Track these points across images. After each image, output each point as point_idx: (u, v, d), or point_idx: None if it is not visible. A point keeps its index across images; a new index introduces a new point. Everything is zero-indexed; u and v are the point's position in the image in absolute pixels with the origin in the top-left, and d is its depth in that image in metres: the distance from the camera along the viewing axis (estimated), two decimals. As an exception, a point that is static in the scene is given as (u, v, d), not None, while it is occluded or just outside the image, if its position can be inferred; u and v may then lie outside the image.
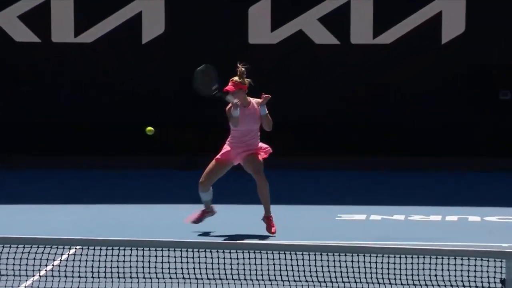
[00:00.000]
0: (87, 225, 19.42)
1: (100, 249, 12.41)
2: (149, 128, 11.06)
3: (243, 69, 17.65)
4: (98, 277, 12.93)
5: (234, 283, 12.84)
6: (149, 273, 12.86)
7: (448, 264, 12.49)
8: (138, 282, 12.75)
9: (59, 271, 14.00)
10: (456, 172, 24.57)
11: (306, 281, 12.53)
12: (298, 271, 12.63)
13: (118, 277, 12.65)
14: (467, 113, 24.48)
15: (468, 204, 21.28)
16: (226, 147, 18.39)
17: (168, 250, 12.27)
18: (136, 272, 12.79)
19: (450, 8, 24.15)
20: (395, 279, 12.47)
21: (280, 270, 12.69)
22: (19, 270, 13.18)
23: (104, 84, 24.67)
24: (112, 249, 12.45)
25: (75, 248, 13.12)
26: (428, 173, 24.45)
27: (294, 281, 12.61)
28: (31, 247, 12.66)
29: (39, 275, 13.92)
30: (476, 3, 24.14)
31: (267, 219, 18.41)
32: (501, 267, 11.76)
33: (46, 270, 14.00)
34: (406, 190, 23.19)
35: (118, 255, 12.53)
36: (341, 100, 24.37)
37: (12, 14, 24.43)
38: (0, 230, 16.73)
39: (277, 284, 12.97)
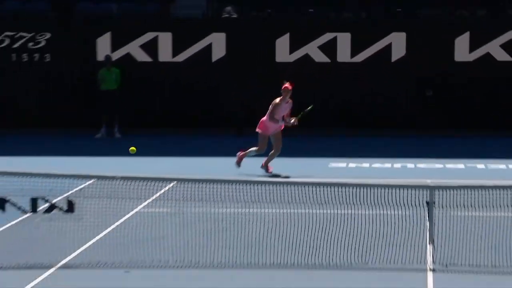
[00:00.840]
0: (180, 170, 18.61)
1: (189, 182, 12.13)
2: (132, 148, 8.80)
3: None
4: (188, 201, 12.45)
5: (265, 205, 12.38)
6: (219, 198, 12.56)
7: (394, 192, 12.06)
8: (211, 203, 12.44)
9: (164, 197, 13.75)
10: (399, 138, 24.61)
11: (309, 202, 12.20)
12: (303, 197, 12.27)
13: (199, 200, 12.25)
14: (406, 103, 24.81)
15: (407, 156, 21.26)
16: (266, 125, 17.54)
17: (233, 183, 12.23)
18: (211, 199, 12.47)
19: (396, 41, 24.46)
20: (361, 202, 12.16)
21: (291, 196, 12.40)
22: (140, 195, 12.81)
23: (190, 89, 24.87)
24: (195, 182, 12.26)
25: (173, 183, 12.90)
26: (387, 139, 24.45)
27: (302, 203, 12.26)
28: (147, 181, 12.30)
29: (151, 199, 13.71)
30: (412, 38, 24.34)
31: (267, 166, 17.71)
32: (427, 195, 11.67)
33: (155, 196, 13.71)
34: (372, 149, 23.14)
35: (199, 187, 12.23)
36: (331, 97, 24.63)
37: (136, 44, 24.79)
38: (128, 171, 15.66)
39: (290, 204, 12.63)
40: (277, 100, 17.06)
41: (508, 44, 24.27)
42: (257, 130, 17.37)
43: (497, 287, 11.07)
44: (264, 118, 17.26)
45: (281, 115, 17.16)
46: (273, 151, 17.63)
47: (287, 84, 17.21)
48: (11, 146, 21.97)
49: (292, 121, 17.20)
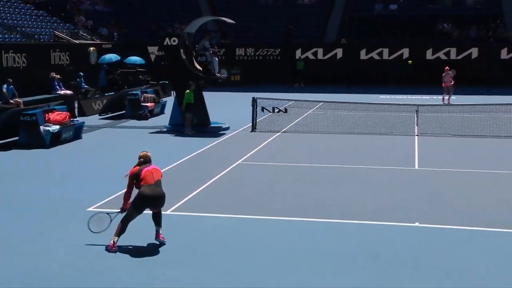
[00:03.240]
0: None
1: (329, 103, 22.54)
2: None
3: None
4: (332, 109, 22.99)
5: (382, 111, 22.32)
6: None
7: (400, 107, 21.48)
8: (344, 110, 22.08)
9: (319, 107, 24.59)
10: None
11: (370, 109, 22.33)
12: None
13: (338, 109, 22.84)
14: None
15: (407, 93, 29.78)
16: (444, 83, 27.41)
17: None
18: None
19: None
20: (388, 110, 22.29)
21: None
22: (311, 106, 24.43)
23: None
24: (332, 103, 22.47)
25: (320, 103, 23.57)
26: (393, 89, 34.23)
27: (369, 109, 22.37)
28: (314, 102, 23.39)
29: (314, 108, 24.97)
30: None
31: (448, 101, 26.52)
32: (417, 108, 21.26)
33: (316, 107, 24.70)
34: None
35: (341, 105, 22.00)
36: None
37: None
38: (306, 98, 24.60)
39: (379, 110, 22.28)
40: (444, 74, 28.07)
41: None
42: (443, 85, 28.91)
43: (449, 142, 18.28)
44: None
45: (447, 79, 27.98)
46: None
47: (447, 67, 28.61)
48: (263, 89, 33.64)
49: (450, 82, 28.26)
